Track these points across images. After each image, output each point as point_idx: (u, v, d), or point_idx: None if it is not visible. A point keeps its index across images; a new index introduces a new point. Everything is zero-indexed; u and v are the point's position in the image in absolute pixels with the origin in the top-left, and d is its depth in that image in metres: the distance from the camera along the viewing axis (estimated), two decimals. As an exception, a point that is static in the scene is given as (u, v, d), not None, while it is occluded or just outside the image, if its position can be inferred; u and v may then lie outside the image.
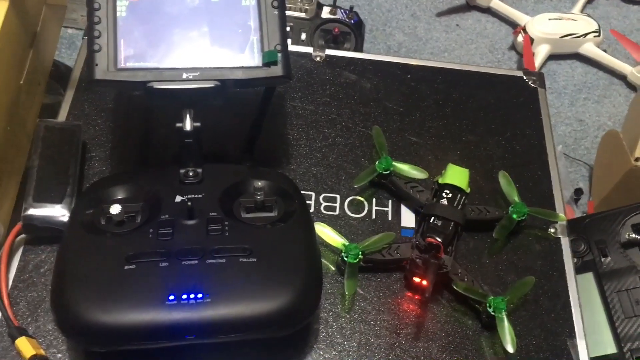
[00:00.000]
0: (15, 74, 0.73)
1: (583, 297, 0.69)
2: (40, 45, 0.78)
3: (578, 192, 1.14)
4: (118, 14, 0.60)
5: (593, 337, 0.72)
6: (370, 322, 0.63)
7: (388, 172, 0.71)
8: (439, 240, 0.63)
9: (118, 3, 0.60)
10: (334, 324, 0.63)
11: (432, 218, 0.65)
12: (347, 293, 0.64)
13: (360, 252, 0.64)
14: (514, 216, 0.70)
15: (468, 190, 0.68)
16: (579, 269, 0.80)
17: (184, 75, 0.60)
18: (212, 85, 0.60)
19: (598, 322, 0.77)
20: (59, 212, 0.63)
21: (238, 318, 0.52)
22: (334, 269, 0.67)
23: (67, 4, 0.88)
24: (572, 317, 0.66)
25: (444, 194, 0.67)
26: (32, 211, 0.62)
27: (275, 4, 0.63)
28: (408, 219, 0.71)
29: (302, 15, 1.19)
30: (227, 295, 0.53)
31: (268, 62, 0.61)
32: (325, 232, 0.66)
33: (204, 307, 0.52)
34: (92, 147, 0.72)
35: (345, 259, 0.64)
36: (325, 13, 1.20)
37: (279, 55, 0.61)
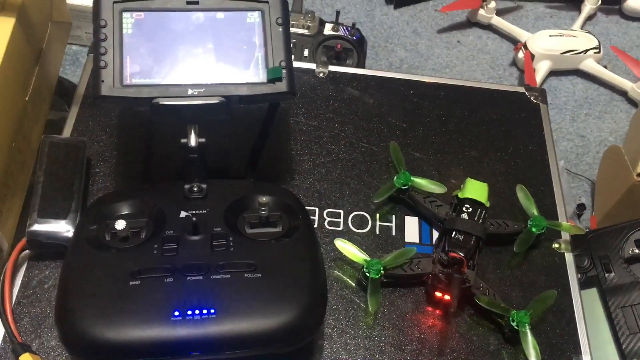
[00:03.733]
0: (21, 90, 0.73)
1: (587, 313, 0.68)
2: (46, 62, 0.79)
3: (580, 207, 1.14)
4: (124, 31, 0.61)
5: (598, 354, 0.71)
6: (375, 338, 0.63)
7: (406, 187, 0.72)
8: (462, 254, 0.63)
9: (124, 20, 0.61)
10: (339, 340, 0.63)
11: (454, 233, 0.65)
12: (370, 309, 0.64)
13: (382, 268, 0.64)
14: (534, 230, 0.70)
15: (488, 205, 0.68)
16: (583, 285, 0.80)
17: (189, 92, 0.60)
18: (217, 101, 0.60)
19: (603, 338, 0.76)
20: (63, 228, 0.63)
21: (243, 334, 0.52)
22: (354, 284, 0.67)
23: (72, 21, 0.89)
24: (577, 333, 0.66)
25: (464, 209, 0.67)
26: (36, 227, 0.62)
27: (280, 20, 0.63)
28: (412, 234, 0.71)
29: (305, 32, 1.20)
30: (232, 311, 0.53)
31: (273, 78, 0.62)
32: (346, 248, 0.66)
33: (209, 323, 0.52)
34: (97, 162, 0.72)
35: (368, 274, 0.64)
36: (328, 30, 1.21)
37: (284, 71, 0.62)
